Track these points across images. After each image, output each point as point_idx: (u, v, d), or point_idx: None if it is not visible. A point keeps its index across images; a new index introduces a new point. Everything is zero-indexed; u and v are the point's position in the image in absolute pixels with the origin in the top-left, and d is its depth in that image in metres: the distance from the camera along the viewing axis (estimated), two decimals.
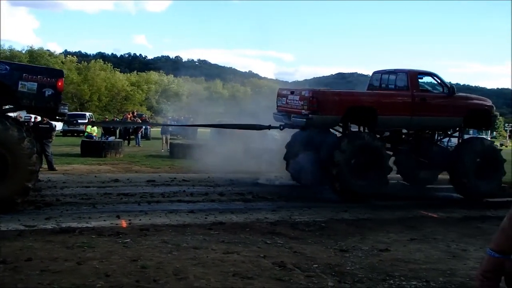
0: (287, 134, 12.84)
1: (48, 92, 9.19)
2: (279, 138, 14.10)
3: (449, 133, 13.23)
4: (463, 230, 8.36)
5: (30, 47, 57.13)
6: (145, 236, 7.10)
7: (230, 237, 7.27)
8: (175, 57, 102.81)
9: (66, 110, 10.29)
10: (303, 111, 10.98)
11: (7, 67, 9.11)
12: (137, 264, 5.64)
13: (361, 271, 5.82)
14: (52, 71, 10.32)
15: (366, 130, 11.74)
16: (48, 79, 9.24)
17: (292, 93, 11.86)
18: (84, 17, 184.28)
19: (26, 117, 30.01)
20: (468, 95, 13.29)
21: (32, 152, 8.99)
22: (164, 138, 23.28)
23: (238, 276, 5.36)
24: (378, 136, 11.75)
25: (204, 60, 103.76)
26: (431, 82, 12.41)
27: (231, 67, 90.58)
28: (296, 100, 11.44)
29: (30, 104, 9.30)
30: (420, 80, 12.04)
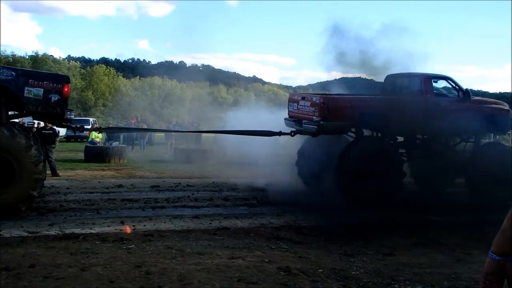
0: (297, 140, 12.70)
1: (54, 98, 9.22)
2: (283, 144, 14.01)
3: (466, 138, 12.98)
4: (467, 234, 8.28)
5: (36, 52, 57.41)
6: (149, 242, 7.09)
7: (234, 242, 7.25)
8: (178, 62, 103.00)
9: (72, 116, 10.30)
10: (314, 117, 10.88)
11: (13, 73, 9.14)
12: (141, 270, 5.61)
13: (366, 275, 5.79)
14: (58, 76, 10.31)
15: (379, 135, 11.62)
16: (54, 85, 9.27)
17: (303, 98, 11.75)
18: (86, 23, 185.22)
19: (29, 123, 30.14)
20: (485, 99, 13.12)
21: (39, 160, 9.01)
22: (169, 143, 23.30)
23: (243, 282, 5.33)
24: (391, 141, 11.61)
25: (208, 65, 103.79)
26: (446, 86, 12.33)
27: (235, 72, 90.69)
28: (307, 106, 11.32)
29: (36, 110, 9.32)
30: (434, 84, 11.90)
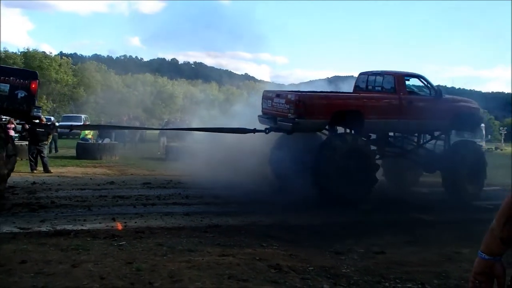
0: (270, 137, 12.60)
1: (21, 94, 9.06)
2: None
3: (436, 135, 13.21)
4: (456, 232, 8.36)
5: (27, 48, 56.94)
6: (140, 239, 7.09)
7: (225, 239, 7.27)
8: (171, 59, 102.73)
9: (39, 114, 10.08)
10: (290, 114, 10.83)
11: None
12: (132, 266, 5.62)
13: (356, 273, 5.84)
14: (26, 72, 10.15)
15: (352, 133, 11.63)
16: (21, 80, 9.10)
17: (277, 95, 11.67)
18: (77, 19, 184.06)
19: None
20: (455, 97, 13.27)
21: (1, 155, 8.78)
22: (161, 141, 23.23)
23: (234, 279, 5.35)
24: (364, 139, 11.61)
25: (200, 63, 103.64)
26: (418, 84, 12.39)
27: (227, 70, 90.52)
28: (282, 103, 11.27)
29: (1, 106, 9.15)
30: (407, 82, 12.00)
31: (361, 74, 13.00)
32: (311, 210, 10.00)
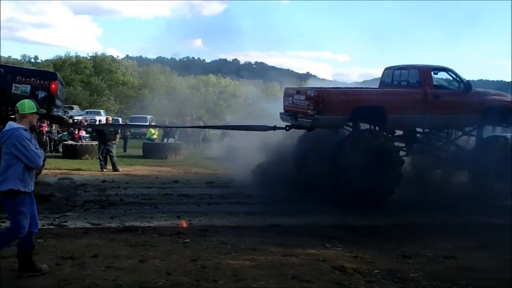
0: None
1: (41, 94, 9.29)
2: None
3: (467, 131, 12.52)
4: None
5: (95, 53, 59.63)
6: (205, 237, 7.22)
7: (288, 239, 7.24)
8: (232, 60, 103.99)
9: (59, 113, 10.26)
10: (309, 111, 10.61)
11: (1, 70, 9.31)
12: (197, 264, 5.72)
13: (425, 278, 5.61)
14: (45, 73, 10.35)
15: (375, 129, 11.19)
16: (41, 81, 9.34)
17: (298, 92, 11.48)
18: (141, 23, 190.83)
19: (91, 120, 31.34)
20: (487, 90, 12.44)
21: None
22: (225, 140, 23.49)
23: (297, 279, 5.31)
24: (389, 135, 11.15)
25: (261, 63, 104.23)
26: (446, 78, 11.75)
27: (289, 69, 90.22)
28: (302, 100, 11.05)
29: None
30: (435, 76, 11.45)
31: (386, 69, 12.57)
32: (370, 210, 9.70)
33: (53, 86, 9.39)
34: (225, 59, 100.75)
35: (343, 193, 10.20)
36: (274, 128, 11.40)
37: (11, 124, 5.07)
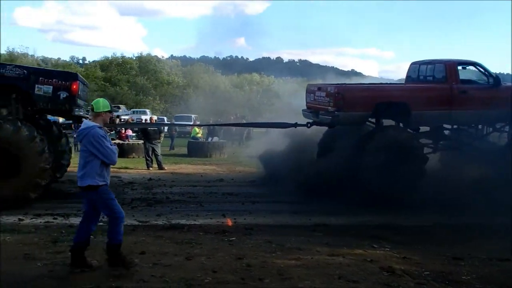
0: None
1: (63, 94, 9.46)
2: None
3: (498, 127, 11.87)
4: None
5: (140, 53, 60.96)
6: (250, 235, 7.23)
7: (334, 239, 7.15)
8: (275, 58, 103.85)
9: (81, 113, 10.39)
10: (330, 107, 10.44)
11: (25, 71, 9.51)
12: (242, 262, 5.72)
13: (478, 281, 5.37)
14: (67, 74, 10.52)
15: (398, 126, 10.91)
16: (63, 82, 9.50)
17: (319, 89, 11.32)
18: (185, 23, 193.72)
19: (137, 119, 32.05)
20: None
21: (43, 150, 9.15)
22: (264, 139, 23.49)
23: (344, 279, 5.22)
24: (413, 132, 10.86)
25: (305, 60, 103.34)
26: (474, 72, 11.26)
27: (333, 67, 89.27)
28: (323, 97, 10.91)
29: (46, 107, 9.62)
30: (462, 71, 11.02)
31: (412, 64, 12.20)
32: (417, 210, 9.39)
33: (74, 87, 9.58)
34: (269, 57, 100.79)
35: (364, 192, 9.91)
36: (295, 125, 11.37)
37: (86, 123, 5.29)
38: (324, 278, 5.23)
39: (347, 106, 10.24)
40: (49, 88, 9.42)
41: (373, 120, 10.93)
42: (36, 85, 9.39)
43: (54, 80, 9.51)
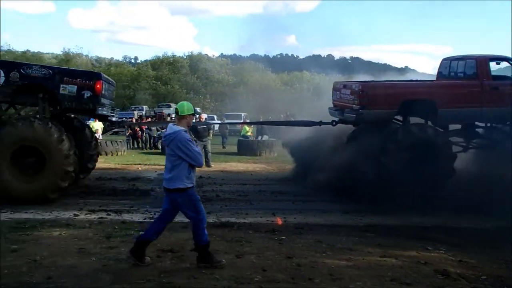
0: None
1: (87, 94, 9.60)
2: None
3: None
4: None
5: (191, 52, 62.02)
6: (300, 235, 7.20)
7: (386, 240, 7.02)
8: (326, 55, 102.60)
9: (104, 112, 10.46)
10: (354, 105, 10.21)
11: (50, 71, 9.70)
12: (292, 261, 5.71)
13: None
14: (91, 74, 10.64)
15: (426, 124, 10.47)
16: (87, 82, 9.63)
17: (344, 86, 11.10)
18: (235, 22, 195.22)
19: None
20: None
21: (69, 153, 9.27)
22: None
23: (396, 282, 5.11)
24: (439, 129, 10.38)
25: (357, 57, 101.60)
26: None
27: (386, 63, 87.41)
28: (348, 94, 10.70)
29: (71, 106, 9.75)
30: (495, 67, 10.55)
31: (444, 60, 11.74)
32: (469, 211, 8.94)
33: (97, 86, 9.74)
34: (319, 55, 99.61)
35: (389, 192, 9.60)
36: (320, 123, 11.24)
37: (172, 127, 5.47)
38: (376, 280, 5.15)
39: (372, 104, 10.07)
40: (74, 88, 9.62)
41: (400, 118, 10.67)
42: (61, 85, 9.61)
43: (78, 79, 9.72)
